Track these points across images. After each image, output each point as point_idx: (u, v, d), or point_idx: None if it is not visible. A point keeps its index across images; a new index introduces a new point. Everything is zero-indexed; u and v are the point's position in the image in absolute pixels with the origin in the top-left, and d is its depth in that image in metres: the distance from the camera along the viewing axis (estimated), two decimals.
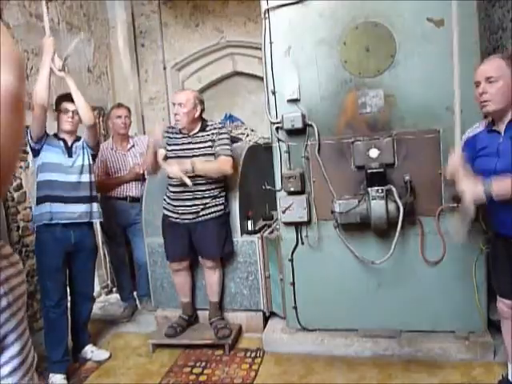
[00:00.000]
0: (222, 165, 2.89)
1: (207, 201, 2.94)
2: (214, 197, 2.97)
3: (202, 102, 3.00)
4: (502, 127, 1.98)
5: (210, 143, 2.94)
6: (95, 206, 2.90)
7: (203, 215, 2.95)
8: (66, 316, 2.87)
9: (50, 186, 2.76)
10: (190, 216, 2.94)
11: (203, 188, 2.93)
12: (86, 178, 2.84)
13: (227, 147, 2.94)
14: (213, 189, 2.96)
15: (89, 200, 2.84)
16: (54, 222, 2.75)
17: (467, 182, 1.92)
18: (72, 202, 2.77)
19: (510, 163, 1.88)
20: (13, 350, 0.73)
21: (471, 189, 1.89)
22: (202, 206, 2.93)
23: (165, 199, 3.03)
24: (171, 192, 2.98)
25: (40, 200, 2.80)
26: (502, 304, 2.21)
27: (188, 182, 2.73)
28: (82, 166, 2.83)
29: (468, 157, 2.08)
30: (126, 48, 4.82)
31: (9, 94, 0.62)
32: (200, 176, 2.88)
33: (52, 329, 2.79)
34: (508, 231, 2.04)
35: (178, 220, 2.98)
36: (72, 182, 2.78)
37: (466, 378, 2.46)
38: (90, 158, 2.91)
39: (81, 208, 2.80)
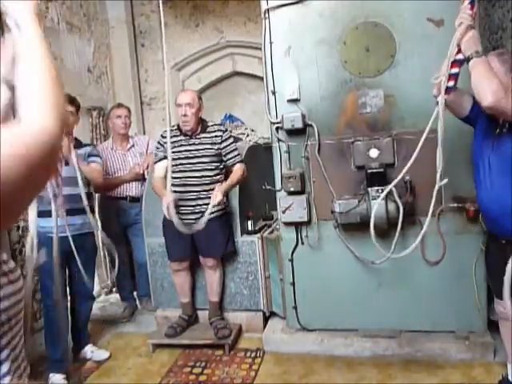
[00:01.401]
0: (242, 174, 3.01)
1: (210, 201, 2.94)
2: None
3: (202, 102, 3.03)
4: (500, 120, 1.99)
5: (212, 145, 2.96)
6: (90, 218, 2.73)
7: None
8: (65, 315, 2.87)
9: (41, 201, 2.69)
10: (194, 216, 2.94)
11: (207, 188, 2.93)
12: (80, 189, 2.66)
13: (237, 153, 3.03)
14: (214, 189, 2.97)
15: (84, 212, 2.66)
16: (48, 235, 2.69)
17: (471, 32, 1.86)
18: (69, 214, 2.67)
19: (503, 154, 1.93)
20: (4, 367, 0.73)
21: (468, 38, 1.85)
22: (205, 207, 2.93)
23: None
24: (174, 192, 2.97)
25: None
26: (500, 305, 2.22)
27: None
28: (76, 177, 2.65)
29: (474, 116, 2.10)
30: (126, 48, 4.81)
31: (46, 138, 0.59)
32: (201, 177, 2.90)
33: (52, 328, 2.79)
34: (501, 231, 2.05)
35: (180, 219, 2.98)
36: (66, 195, 2.62)
37: (466, 378, 2.46)
38: (90, 163, 2.86)
39: (77, 220, 2.75)
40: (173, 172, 2.87)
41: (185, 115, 2.90)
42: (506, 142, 1.95)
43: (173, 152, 2.93)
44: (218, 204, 2.86)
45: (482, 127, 2.09)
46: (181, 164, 2.94)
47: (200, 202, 2.93)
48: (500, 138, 1.98)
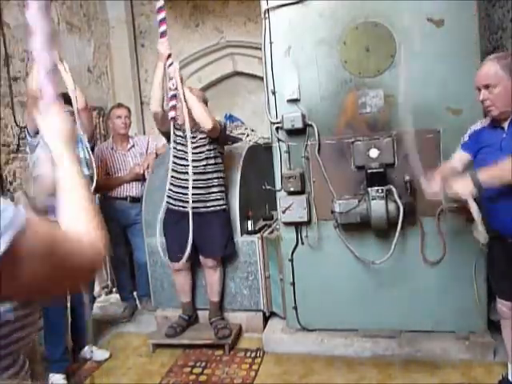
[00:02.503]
0: (205, 110, 2.86)
1: (211, 190, 2.96)
2: (216, 187, 2.99)
3: (205, 103, 3.02)
4: (505, 124, 2.00)
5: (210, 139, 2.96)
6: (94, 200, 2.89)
7: (207, 207, 2.96)
8: (66, 315, 2.87)
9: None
10: (200, 204, 2.94)
11: (210, 176, 2.96)
12: (86, 171, 2.81)
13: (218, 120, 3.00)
14: (214, 178, 2.99)
15: None
16: (49, 216, 2.75)
17: (455, 182, 1.93)
18: None
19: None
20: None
21: (462, 186, 1.90)
22: (207, 196, 2.96)
23: (170, 189, 3.01)
24: (176, 179, 2.97)
25: None
26: (502, 305, 2.22)
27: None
28: (83, 158, 2.79)
29: (471, 150, 2.10)
30: (126, 48, 4.81)
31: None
32: (204, 165, 2.92)
33: (52, 328, 2.79)
34: (506, 232, 2.04)
35: (181, 208, 2.97)
36: None
37: (465, 378, 2.46)
38: (88, 151, 2.89)
39: None
40: (176, 158, 2.95)
41: (178, 109, 2.91)
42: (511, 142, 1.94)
43: (176, 145, 2.97)
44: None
45: (484, 138, 2.08)
46: (181, 151, 2.94)
47: (202, 191, 2.95)
48: (508, 139, 1.97)
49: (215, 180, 2.99)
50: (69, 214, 0.80)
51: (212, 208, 2.98)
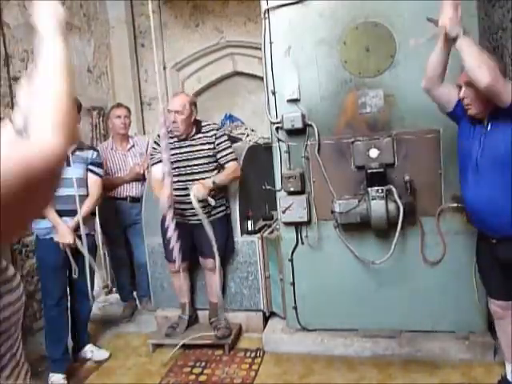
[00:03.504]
0: (234, 172, 2.97)
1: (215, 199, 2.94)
2: (218, 198, 2.96)
3: (195, 105, 2.99)
4: (484, 121, 2.00)
5: (208, 145, 2.94)
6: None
7: (210, 215, 2.94)
8: (66, 315, 2.87)
9: None
10: (197, 217, 2.92)
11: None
12: (81, 191, 2.80)
13: (231, 151, 2.97)
14: (214, 189, 2.96)
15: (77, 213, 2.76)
16: (49, 236, 2.74)
17: (453, 12, 1.91)
18: (65, 215, 2.74)
19: (492, 154, 1.93)
20: (5, 372, 0.73)
21: (450, 19, 1.90)
22: (208, 208, 2.93)
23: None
24: (175, 196, 2.91)
25: None
26: (493, 305, 2.22)
27: (212, 202, 2.82)
28: (77, 179, 2.75)
29: (456, 108, 2.10)
30: (126, 48, 4.81)
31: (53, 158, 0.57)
32: (201, 179, 2.88)
33: (52, 327, 2.80)
34: (489, 233, 2.05)
35: (181, 220, 2.96)
36: (65, 196, 2.69)
37: (466, 378, 2.46)
38: (88, 171, 2.90)
39: (70, 221, 2.76)
40: (173, 176, 2.86)
41: (174, 122, 2.87)
42: (495, 139, 1.94)
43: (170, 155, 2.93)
44: (204, 201, 2.80)
45: (466, 127, 2.08)
46: (178, 167, 2.92)
47: (202, 204, 2.92)
48: (488, 135, 1.97)
49: (215, 191, 2.96)
50: (38, 101, 0.65)
51: (213, 217, 2.96)
